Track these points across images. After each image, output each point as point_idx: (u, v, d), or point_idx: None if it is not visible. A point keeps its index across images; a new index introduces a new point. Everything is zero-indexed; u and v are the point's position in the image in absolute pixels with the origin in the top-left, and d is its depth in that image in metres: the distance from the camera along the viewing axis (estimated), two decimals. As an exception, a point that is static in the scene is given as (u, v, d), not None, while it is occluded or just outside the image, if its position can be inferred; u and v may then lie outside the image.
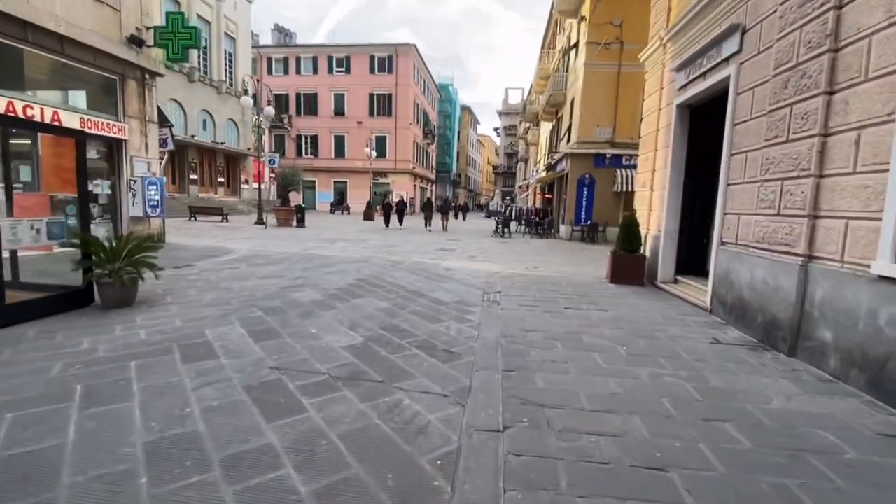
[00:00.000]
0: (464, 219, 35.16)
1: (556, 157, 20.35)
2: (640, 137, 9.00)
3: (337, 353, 3.62)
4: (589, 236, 16.35)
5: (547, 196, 24.44)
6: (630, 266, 7.58)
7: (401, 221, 21.39)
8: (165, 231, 11.10)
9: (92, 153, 8.89)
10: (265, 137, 35.53)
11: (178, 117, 24.14)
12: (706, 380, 3.30)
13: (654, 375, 3.34)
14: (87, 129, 8.16)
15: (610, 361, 3.62)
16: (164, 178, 11.31)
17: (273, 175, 20.46)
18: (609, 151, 16.61)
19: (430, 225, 20.62)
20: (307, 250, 10.75)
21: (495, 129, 73.35)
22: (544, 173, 24.48)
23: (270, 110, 18.67)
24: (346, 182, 39.85)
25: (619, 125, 16.55)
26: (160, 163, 11.57)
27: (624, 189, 16.21)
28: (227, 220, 18.81)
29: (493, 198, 63.05)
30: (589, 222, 16.58)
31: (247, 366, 3.28)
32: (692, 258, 7.39)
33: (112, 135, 9.21)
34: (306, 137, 40.40)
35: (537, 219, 19.57)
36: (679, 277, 7.30)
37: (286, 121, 39.69)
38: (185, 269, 7.40)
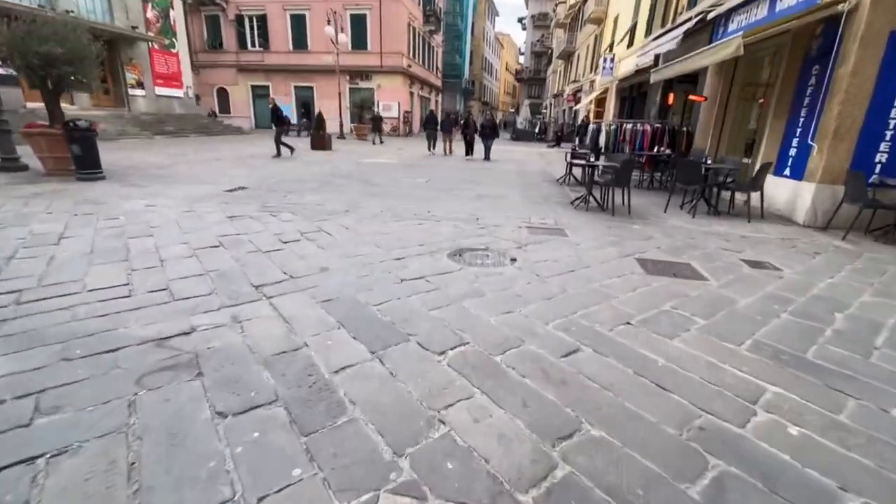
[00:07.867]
0: (486, 157, 14.41)
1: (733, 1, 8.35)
2: None
3: None
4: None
5: (669, 103, 12.63)
6: None
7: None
8: None
9: None
10: (174, 14, 22.69)
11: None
12: None
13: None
14: None
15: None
16: None
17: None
18: None
19: (433, 148, 16.65)
20: None
21: (520, 21, 56.96)
22: (652, 55, 12.39)
23: None
24: (311, 87, 27.43)
25: None
26: None
27: None
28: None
29: (517, 111, 49.19)
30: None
31: None
32: None
33: None
34: (250, 20, 27.22)
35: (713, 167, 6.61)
36: None
37: (217, -8, 26.40)
38: None
